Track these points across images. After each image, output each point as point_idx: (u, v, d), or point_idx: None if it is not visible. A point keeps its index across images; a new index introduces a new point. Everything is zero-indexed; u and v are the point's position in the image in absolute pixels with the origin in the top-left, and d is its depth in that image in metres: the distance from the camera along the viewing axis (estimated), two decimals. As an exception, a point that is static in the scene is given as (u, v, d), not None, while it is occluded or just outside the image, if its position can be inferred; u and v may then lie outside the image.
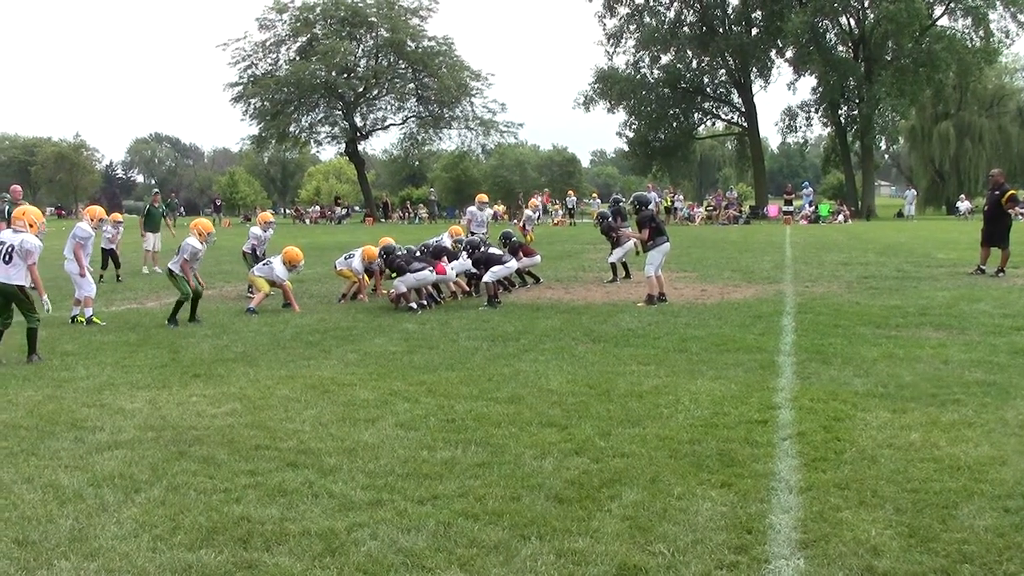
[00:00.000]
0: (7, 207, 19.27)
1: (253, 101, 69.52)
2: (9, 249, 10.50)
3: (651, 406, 8.08)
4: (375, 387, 9.02)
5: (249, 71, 70.48)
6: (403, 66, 71.47)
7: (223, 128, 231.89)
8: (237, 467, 6.46)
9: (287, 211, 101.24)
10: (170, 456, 6.77)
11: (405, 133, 75.89)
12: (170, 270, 13.63)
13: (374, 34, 70.21)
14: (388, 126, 75.30)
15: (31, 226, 10.83)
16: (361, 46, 71.05)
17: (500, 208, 40.08)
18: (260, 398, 8.64)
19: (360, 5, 68.70)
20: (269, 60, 70.94)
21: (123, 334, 12.64)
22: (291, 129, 72.31)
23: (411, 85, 72.52)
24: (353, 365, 10.24)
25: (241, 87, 70.09)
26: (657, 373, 9.52)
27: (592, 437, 7.09)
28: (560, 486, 5.96)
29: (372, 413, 7.96)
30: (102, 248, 20.47)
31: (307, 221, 71.46)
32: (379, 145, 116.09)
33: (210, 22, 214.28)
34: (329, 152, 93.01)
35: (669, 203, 55.80)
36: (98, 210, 15.43)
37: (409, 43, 69.35)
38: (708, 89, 68.24)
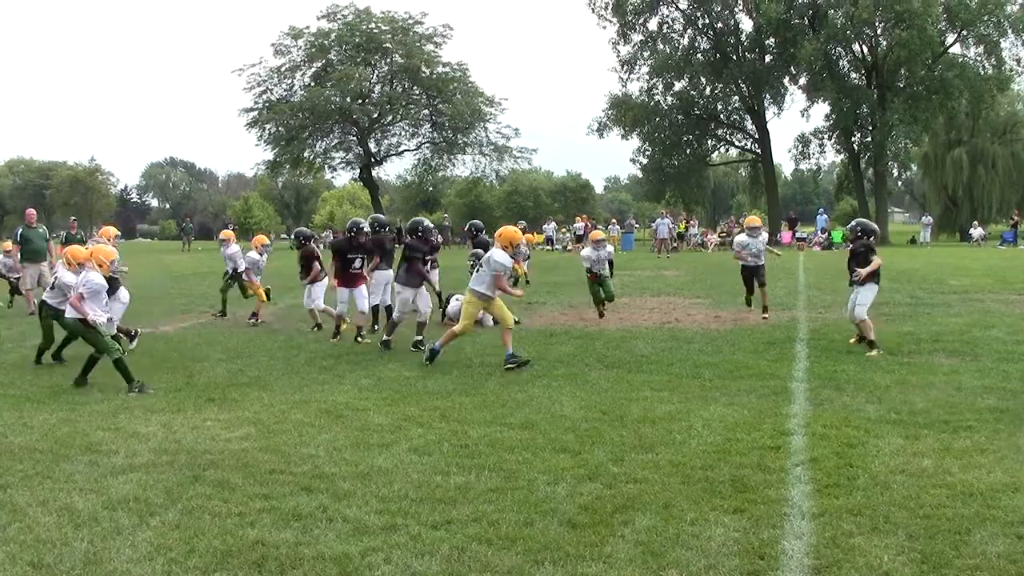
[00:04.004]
0: (19, 231, 19.40)
1: (268, 126, 69.71)
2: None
3: (664, 432, 8.09)
4: (389, 412, 9.05)
5: (264, 96, 70.73)
6: (417, 92, 71.64)
7: (238, 153, 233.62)
8: (252, 491, 6.50)
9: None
10: (185, 480, 6.81)
11: (419, 159, 75.96)
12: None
13: (389, 60, 70.45)
14: (402, 152, 75.39)
15: (100, 266, 10.82)
16: (376, 72, 71.29)
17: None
18: (274, 423, 8.68)
19: (375, 31, 69.00)
20: (284, 86, 71.17)
21: (137, 358, 12.67)
22: (305, 154, 72.41)
23: (425, 111, 72.65)
24: (367, 390, 10.27)
25: (256, 112, 70.30)
26: (670, 399, 9.54)
27: (605, 463, 7.11)
28: (573, 511, 5.98)
29: (386, 438, 7.99)
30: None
31: (322, 246, 71.61)
32: (393, 171, 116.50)
33: (226, 48, 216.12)
34: (343, 178, 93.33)
35: (683, 229, 55.88)
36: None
37: (424, 69, 69.55)
38: (722, 116, 68.32)
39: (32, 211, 20.42)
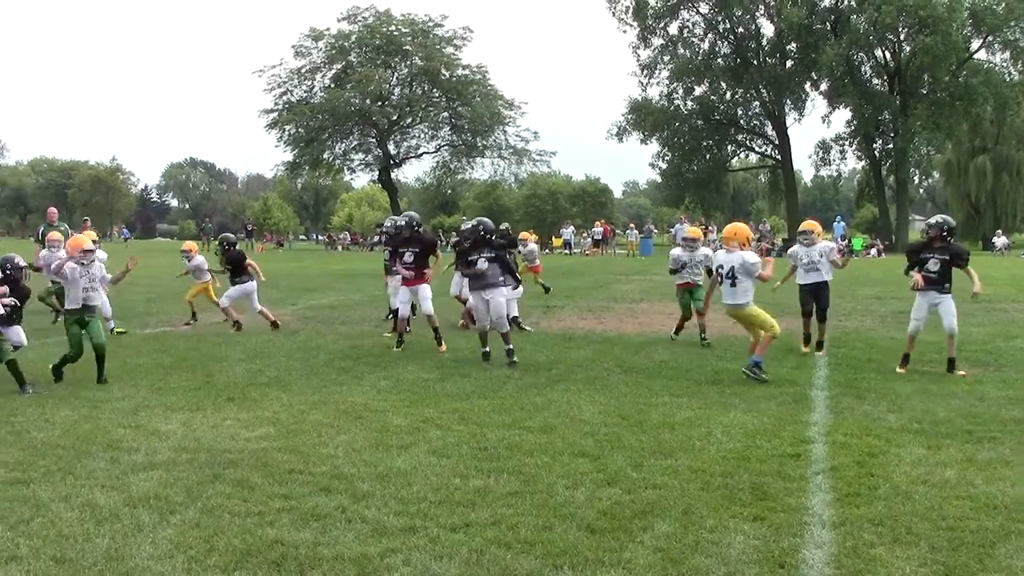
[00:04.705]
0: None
1: (288, 128, 69.98)
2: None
3: (683, 438, 8.07)
4: (408, 414, 9.06)
5: (284, 98, 71.04)
6: (437, 95, 71.80)
7: (257, 154, 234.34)
8: (271, 491, 6.51)
9: (319, 237, 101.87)
10: (205, 478, 6.83)
11: (438, 161, 76.14)
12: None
13: (409, 63, 70.61)
14: (421, 154, 75.55)
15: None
16: (396, 74, 71.48)
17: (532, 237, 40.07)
18: (293, 423, 8.69)
19: (395, 34, 69.19)
20: (304, 87, 71.49)
21: (157, 356, 12.75)
22: (325, 156, 72.68)
23: (445, 114, 72.80)
24: (386, 392, 10.27)
25: (276, 114, 70.63)
26: (690, 405, 9.50)
27: (624, 468, 7.09)
28: (592, 516, 5.97)
29: (405, 440, 7.99)
30: None
31: (339, 248, 71.90)
32: (412, 173, 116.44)
33: (246, 49, 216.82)
34: (362, 179, 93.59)
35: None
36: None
37: (443, 72, 69.71)
38: (742, 121, 68.28)
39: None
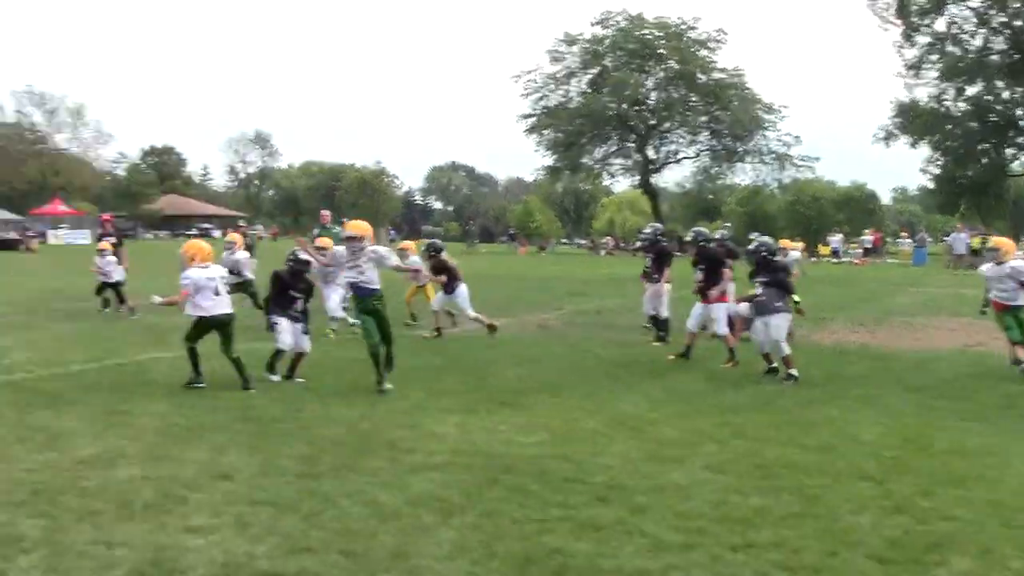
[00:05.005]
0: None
1: (546, 132, 71.11)
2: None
3: (977, 467, 7.50)
4: (680, 425, 8.88)
5: (541, 103, 72.16)
6: (694, 99, 71.00)
7: (516, 157, 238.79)
8: (548, 498, 6.49)
9: (581, 241, 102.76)
10: (482, 482, 6.90)
11: (698, 167, 75.39)
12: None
13: (664, 66, 70.15)
14: (680, 159, 74.98)
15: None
16: (651, 78, 71.20)
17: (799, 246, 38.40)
18: (567, 430, 8.69)
19: (648, 37, 68.90)
20: (561, 92, 72.37)
21: (429, 358, 13.08)
22: (584, 160, 73.36)
23: (703, 118, 71.89)
24: (658, 401, 10.12)
25: (534, 118, 71.88)
26: (980, 431, 8.84)
27: (912, 495, 6.65)
28: (881, 545, 5.64)
29: (679, 452, 7.82)
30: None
31: (602, 252, 72.19)
32: (672, 177, 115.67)
33: (503, 53, 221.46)
34: (622, 183, 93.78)
35: (979, 244, 52.37)
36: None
37: (699, 75, 68.88)
38: (1022, 122, 63.59)
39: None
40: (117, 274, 18.26)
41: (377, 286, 10.70)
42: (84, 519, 5.96)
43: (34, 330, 15.72)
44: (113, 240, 19.24)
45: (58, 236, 70.12)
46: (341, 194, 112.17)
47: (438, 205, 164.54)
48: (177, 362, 11.50)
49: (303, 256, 11.96)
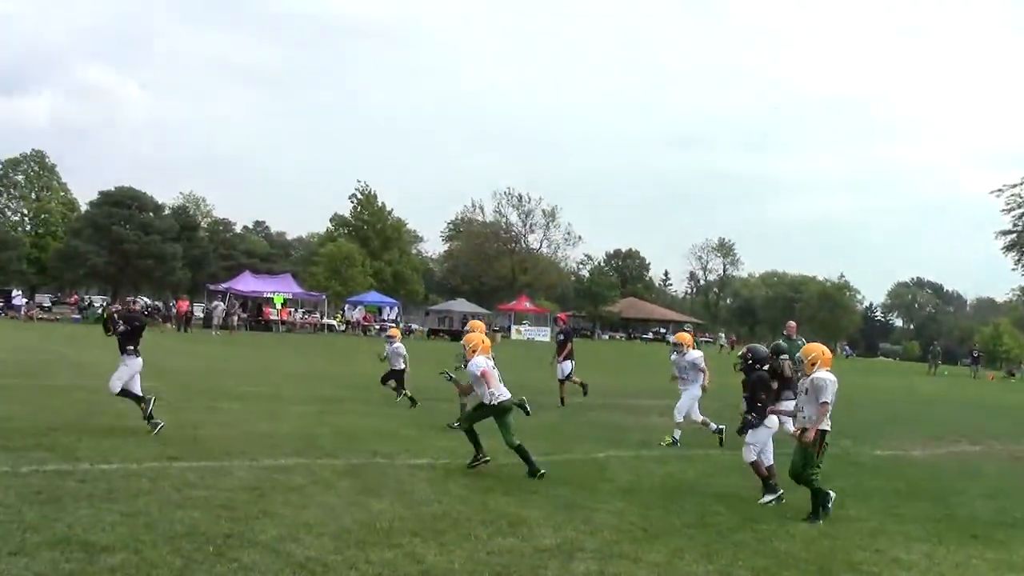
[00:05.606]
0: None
1: (1028, 250, 66.24)
2: None
3: None
4: None
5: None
6: None
7: (987, 276, 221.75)
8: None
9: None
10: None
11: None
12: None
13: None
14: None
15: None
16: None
17: None
18: None
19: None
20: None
21: (890, 480, 12.54)
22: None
23: None
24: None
25: (1014, 235, 67.24)
26: None
27: None
28: None
29: None
30: None
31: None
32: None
33: (980, 171, 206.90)
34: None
35: None
36: None
37: None
38: None
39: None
40: (399, 363, 18.78)
41: None
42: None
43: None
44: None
45: (520, 331, 75.58)
46: (801, 306, 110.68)
47: (899, 322, 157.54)
48: (632, 461, 11.84)
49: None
